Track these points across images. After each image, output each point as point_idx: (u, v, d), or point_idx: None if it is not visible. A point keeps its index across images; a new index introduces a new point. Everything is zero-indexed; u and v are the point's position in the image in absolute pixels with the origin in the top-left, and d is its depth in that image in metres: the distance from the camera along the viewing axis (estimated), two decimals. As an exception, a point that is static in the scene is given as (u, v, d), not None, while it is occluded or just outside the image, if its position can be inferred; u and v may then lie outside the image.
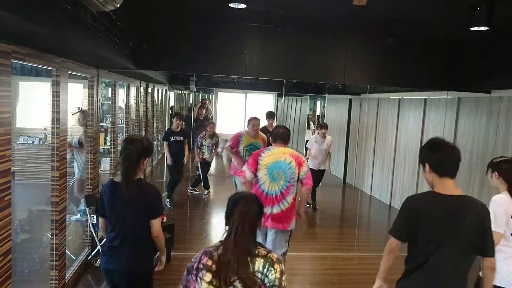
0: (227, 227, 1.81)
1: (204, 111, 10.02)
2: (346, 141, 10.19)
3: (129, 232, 2.57)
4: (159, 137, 11.79)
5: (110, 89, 5.97)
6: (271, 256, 1.79)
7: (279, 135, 3.98)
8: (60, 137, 3.60)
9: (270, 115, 6.97)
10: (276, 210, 3.76)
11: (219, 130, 9.72)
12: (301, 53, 5.04)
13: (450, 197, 2.20)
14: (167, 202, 7.07)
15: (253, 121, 5.62)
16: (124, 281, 2.65)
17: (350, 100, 10.20)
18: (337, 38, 5.07)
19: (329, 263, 5.13)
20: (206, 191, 8.20)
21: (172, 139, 7.11)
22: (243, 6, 3.66)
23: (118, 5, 2.88)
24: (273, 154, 3.85)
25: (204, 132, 7.87)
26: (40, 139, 7.69)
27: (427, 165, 2.27)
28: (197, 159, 7.87)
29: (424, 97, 7.01)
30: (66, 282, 3.90)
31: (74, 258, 4.48)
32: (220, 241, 1.81)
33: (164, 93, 11.97)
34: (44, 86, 7.79)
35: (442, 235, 2.18)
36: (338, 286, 4.25)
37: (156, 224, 2.57)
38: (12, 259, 2.76)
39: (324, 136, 7.22)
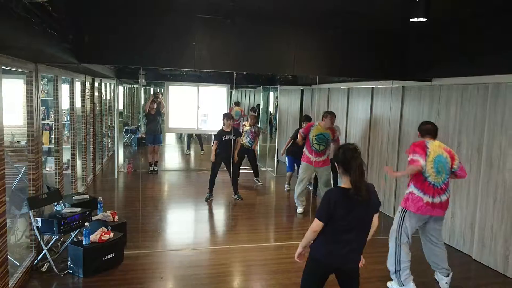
0: None
1: (155, 105, 9.78)
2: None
3: (363, 232, 2.83)
4: (109, 133, 11.39)
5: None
6: None
7: (429, 130, 4.21)
8: (-4, 137, 3.37)
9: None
10: (444, 198, 4.04)
11: (171, 124, 9.57)
12: (251, 45, 5.03)
13: None
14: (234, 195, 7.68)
15: (332, 115, 6.54)
16: (356, 276, 2.92)
17: (302, 91, 10.36)
18: (285, 30, 5.10)
19: (285, 252, 5.21)
20: (256, 179, 8.79)
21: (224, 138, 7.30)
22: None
23: (53, -5, 2.71)
24: (435, 149, 4.06)
25: (246, 121, 8.28)
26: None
27: None
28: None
29: (371, 86, 7.25)
30: (10, 290, 3.68)
31: (18, 264, 4.24)
32: None
33: (112, 87, 11.55)
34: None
35: None
36: (294, 274, 4.33)
37: (377, 218, 2.90)
38: None
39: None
